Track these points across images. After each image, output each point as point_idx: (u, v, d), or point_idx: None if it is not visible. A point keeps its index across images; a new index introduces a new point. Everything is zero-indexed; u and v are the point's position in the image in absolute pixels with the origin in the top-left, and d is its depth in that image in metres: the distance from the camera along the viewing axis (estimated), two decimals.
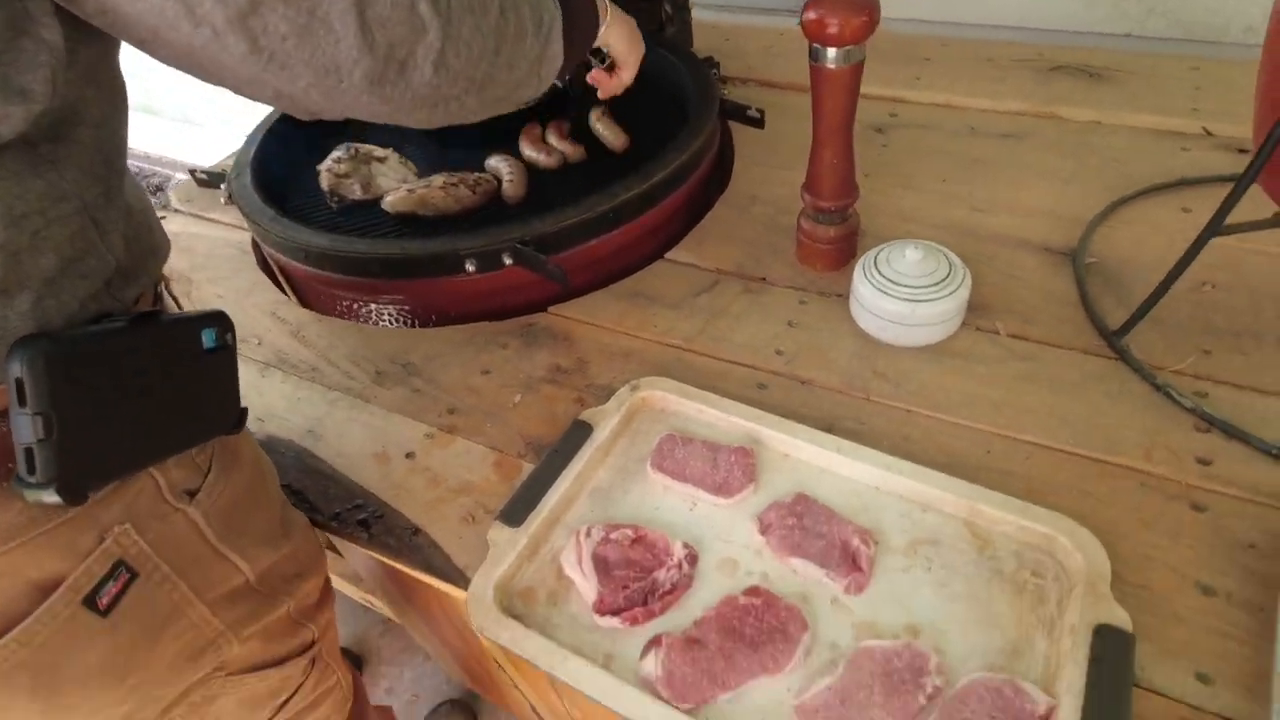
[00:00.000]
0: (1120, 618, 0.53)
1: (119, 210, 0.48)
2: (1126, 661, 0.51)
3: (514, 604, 0.61)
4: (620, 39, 0.77)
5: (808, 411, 0.72)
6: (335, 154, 1.03)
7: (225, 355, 0.55)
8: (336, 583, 1.18)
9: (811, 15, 0.69)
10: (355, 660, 1.50)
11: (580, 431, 0.70)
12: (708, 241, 0.96)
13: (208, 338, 0.53)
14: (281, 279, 1.06)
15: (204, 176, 1.11)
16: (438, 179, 0.97)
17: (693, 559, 0.61)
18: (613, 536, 0.62)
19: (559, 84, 1.14)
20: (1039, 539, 0.59)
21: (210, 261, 1.06)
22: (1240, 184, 0.61)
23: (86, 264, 0.45)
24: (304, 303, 1.02)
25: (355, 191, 1.00)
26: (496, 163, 1.02)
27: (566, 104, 1.08)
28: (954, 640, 0.55)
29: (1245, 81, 0.65)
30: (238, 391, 0.57)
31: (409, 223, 0.96)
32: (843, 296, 0.84)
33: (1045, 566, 0.58)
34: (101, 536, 0.47)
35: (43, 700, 0.46)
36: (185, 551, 0.53)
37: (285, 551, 0.63)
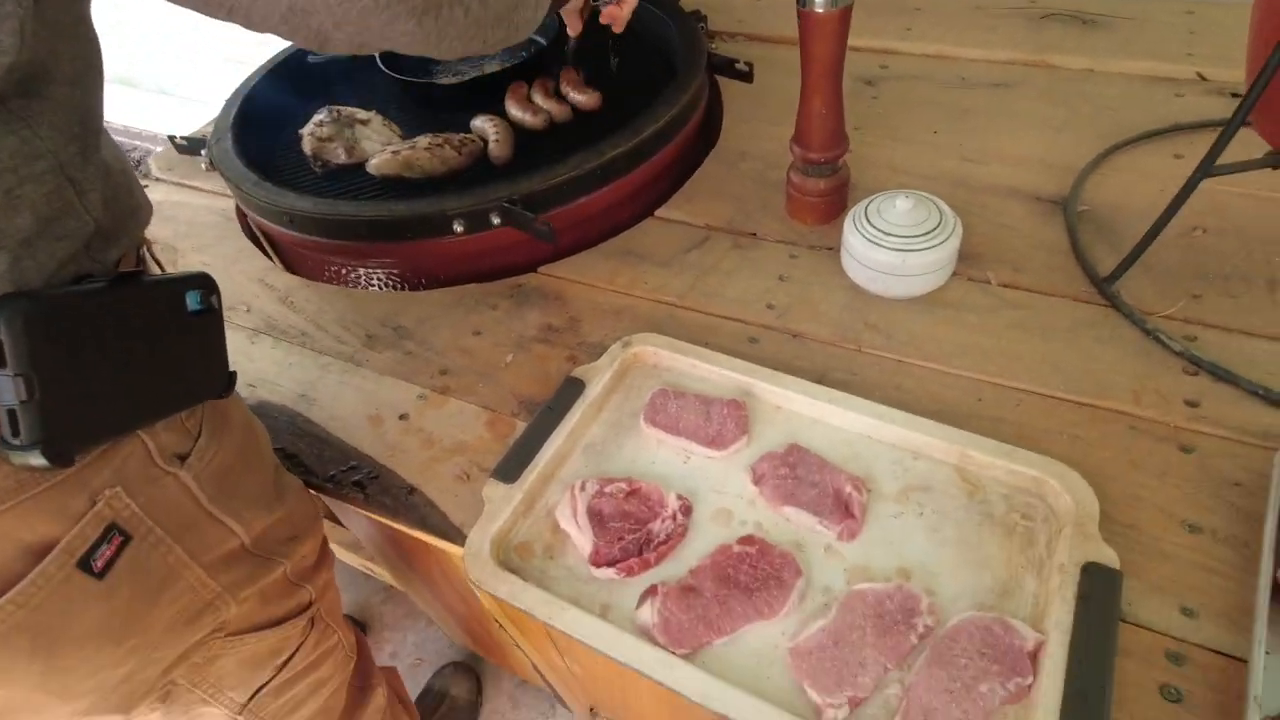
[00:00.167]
0: (1108, 556, 0.54)
1: (97, 170, 0.47)
2: (1113, 598, 0.52)
3: (511, 558, 0.61)
4: None
5: (800, 364, 0.73)
6: (317, 117, 1.01)
7: (211, 318, 0.54)
8: (338, 551, 1.19)
9: None
10: (359, 627, 1.52)
11: (573, 388, 0.70)
12: (697, 198, 0.95)
13: (192, 300, 0.52)
14: (267, 245, 1.05)
15: (183, 143, 1.09)
16: (422, 140, 0.96)
17: (687, 510, 0.62)
18: (607, 490, 0.63)
19: (539, 41, 1.12)
20: (1028, 482, 0.60)
21: (194, 230, 1.04)
22: (1232, 122, 0.61)
23: (64, 224, 0.44)
24: (291, 269, 1.01)
25: (339, 155, 0.98)
26: (482, 123, 1.00)
27: (552, 63, 1.06)
28: (945, 582, 0.56)
29: (1239, 25, 0.64)
30: (225, 355, 0.57)
31: (395, 186, 0.95)
32: (833, 250, 0.84)
33: (1035, 509, 0.59)
34: (93, 500, 0.47)
35: (43, 661, 0.46)
36: (178, 515, 0.53)
37: (280, 514, 0.63)
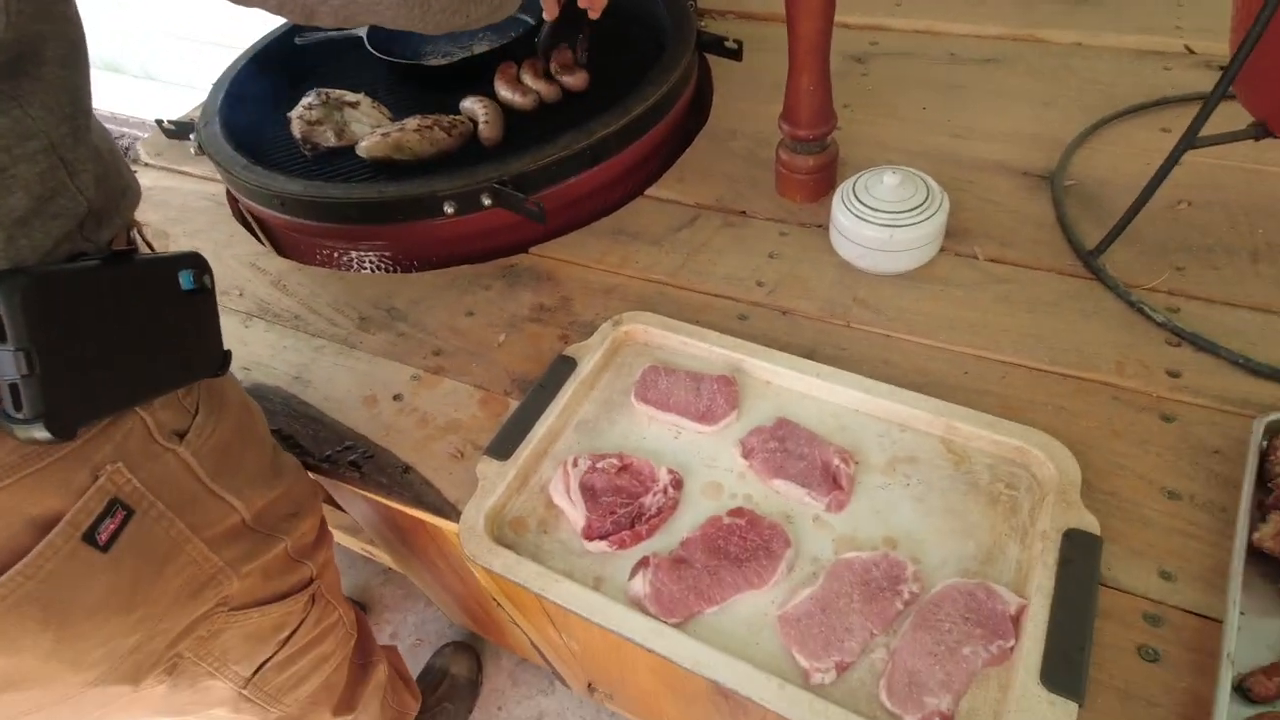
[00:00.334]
0: (1089, 522, 0.55)
1: (87, 150, 0.47)
2: (1093, 562, 0.53)
3: (505, 533, 0.62)
4: None
5: (789, 340, 0.73)
6: (306, 100, 1.01)
7: (204, 297, 0.55)
8: (337, 535, 1.20)
9: None
10: (360, 608, 1.53)
11: (565, 366, 0.71)
12: (688, 177, 0.95)
13: (185, 279, 0.53)
14: (259, 230, 1.05)
15: (172, 127, 1.08)
16: (412, 122, 0.95)
17: (678, 484, 0.63)
18: (599, 465, 0.63)
19: (526, 20, 1.12)
20: (1012, 452, 0.61)
21: (185, 215, 1.04)
22: (1213, 94, 0.61)
23: (58, 203, 0.45)
24: (283, 252, 1.01)
25: (329, 138, 0.98)
26: (471, 104, 1.00)
27: (537, 41, 1.06)
28: (930, 550, 0.57)
29: None
30: (219, 334, 0.57)
31: (385, 168, 0.95)
32: (823, 227, 0.84)
33: (1019, 478, 0.60)
34: (95, 474, 0.48)
35: (54, 630, 0.48)
36: (179, 490, 0.54)
37: (279, 491, 0.64)
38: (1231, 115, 0.67)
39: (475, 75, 1.05)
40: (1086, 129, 0.90)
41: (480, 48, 1.13)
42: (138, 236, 0.58)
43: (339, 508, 1.03)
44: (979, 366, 0.69)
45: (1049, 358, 0.68)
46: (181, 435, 0.54)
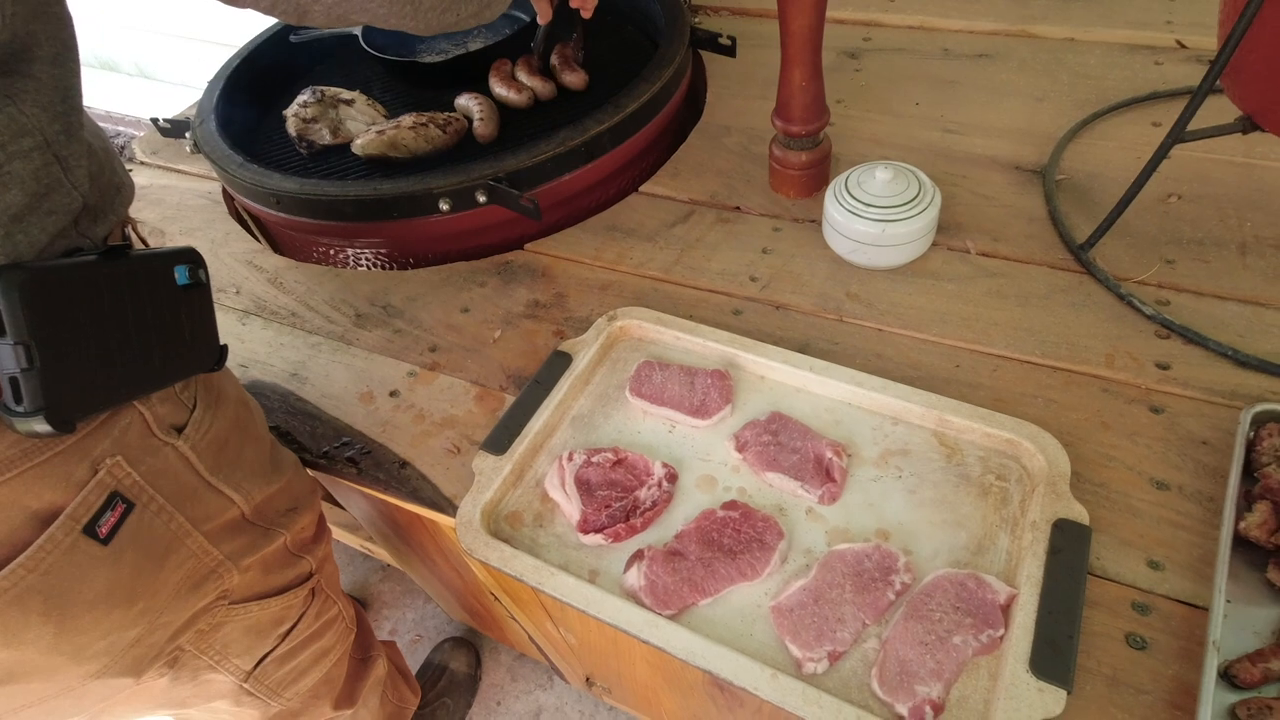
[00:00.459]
0: (1078, 513, 0.56)
1: (81, 146, 0.48)
2: (1082, 552, 0.54)
3: (501, 527, 0.63)
4: None
5: (783, 335, 0.74)
6: (301, 98, 1.01)
7: (200, 292, 0.55)
8: (336, 532, 1.21)
9: None
10: (359, 604, 1.54)
11: (560, 362, 0.72)
12: (682, 173, 0.95)
13: (181, 274, 0.53)
14: (255, 227, 1.05)
15: (167, 125, 1.08)
16: (407, 119, 0.96)
17: (672, 477, 0.63)
18: (594, 460, 0.64)
19: (522, 17, 1.12)
20: (1003, 444, 0.61)
21: (181, 213, 1.05)
22: (1200, 88, 0.62)
23: (53, 200, 0.45)
24: (279, 250, 1.01)
25: (324, 136, 0.99)
26: (466, 101, 1.00)
27: (532, 45, 1.06)
28: (922, 541, 0.58)
29: None
30: (215, 330, 0.58)
31: (380, 165, 0.95)
32: (816, 222, 0.85)
33: (1009, 470, 0.61)
34: (94, 468, 0.49)
35: (55, 623, 0.48)
36: (178, 484, 0.55)
37: (278, 486, 0.65)
38: (1220, 109, 0.67)
39: (470, 72, 1.05)
40: (1078, 124, 0.90)
41: (475, 45, 1.13)
42: (132, 233, 0.58)
43: (338, 505, 1.03)
44: (971, 360, 0.70)
45: (1040, 351, 0.69)
46: (180, 429, 0.55)
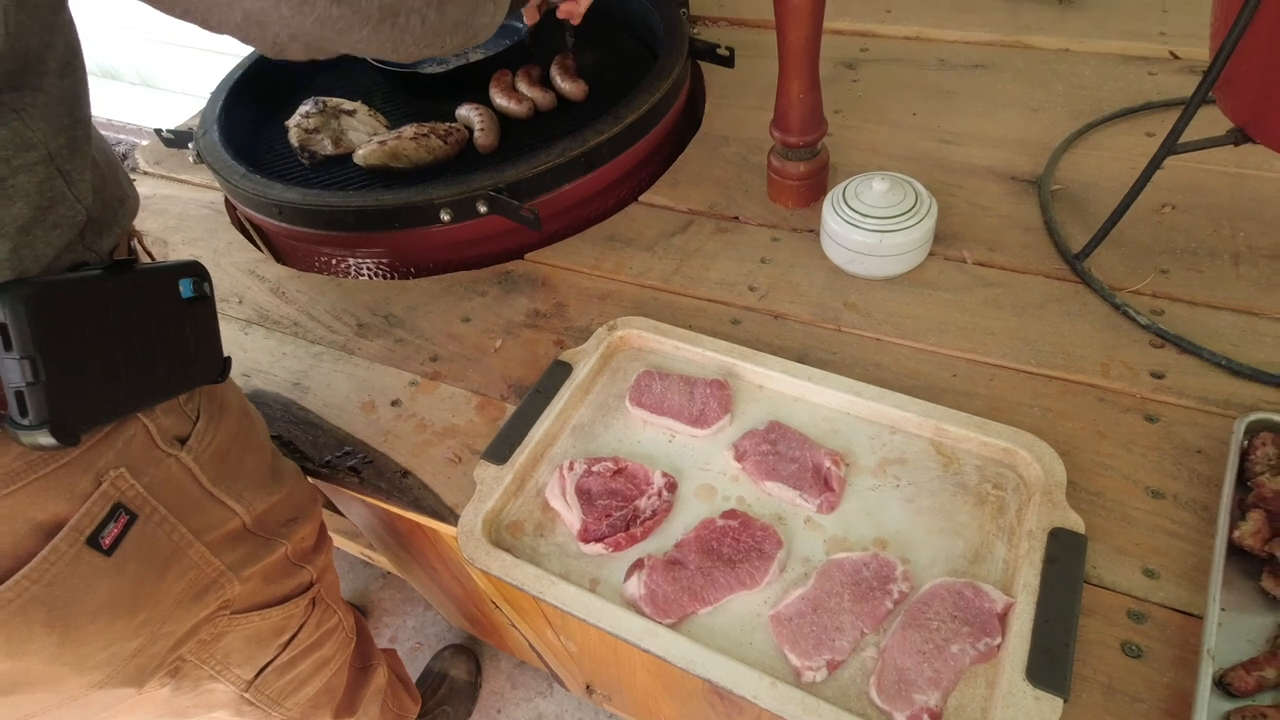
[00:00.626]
0: (1074, 521, 0.56)
1: (84, 160, 0.48)
2: (1078, 561, 0.54)
3: (502, 536, 0.63)
4: None
5: (781, 344, 0.75)
6: (303, 109, 1.02)
7: (204, 305, 0.56)
8: (336, 540, 1.21)
9: None
10: (359, 612, 1.54)
11: (560, 371, 0.72)
12: (681, 183, 0.96)
13: (185, 287, 0.54)
14: (257, 237, 1.06)
15: (170, 136, 1.09)
16: (408, 130, 0.97)
17: (672, 487, 0.64)
18: (595, 469, 0.65)
19: (520, 29, 1.13)
20: (1000, 453, 0.62)
21: (184, 223, 1.05)
22: (1192, 100, 0.63)
23: (58, 212, 0.46)
24: (281, 260, 1.02)
25: (326, 146, 0.99)
26: (467, 112, 1.01)
27: (528, 55, 1.07)
28: (919, 550, 0.58)
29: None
30: (219, 341, 0.58)
31: (382, 176, 0.96)
32: (814, 232, 0.85)
33: (1006, 479, 0.61)
34: (98, 480, 0.49)
35: (59, 633, 0.49)
36: (181, 495, 0.55)
37: (279, 496, 0.65)
38: (1213, 120, 0.68)
39: (471, 83, 1.06)
40: (1073, 134, 0.91)
41: (476, 56, 1.14)
42: (138, 246, 0.59)
43: (338, 512, 1.04)
44: (967, 369, 0.70)
45: (1036, 360, 0.70)
46: (183, 441, 0.55)
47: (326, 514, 0.86)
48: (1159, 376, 0.66)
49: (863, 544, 0.59)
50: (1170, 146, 0.66)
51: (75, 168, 0.47)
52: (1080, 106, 0.95)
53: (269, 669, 0.70)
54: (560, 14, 0.82)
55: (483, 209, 0.86)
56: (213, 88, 1.10)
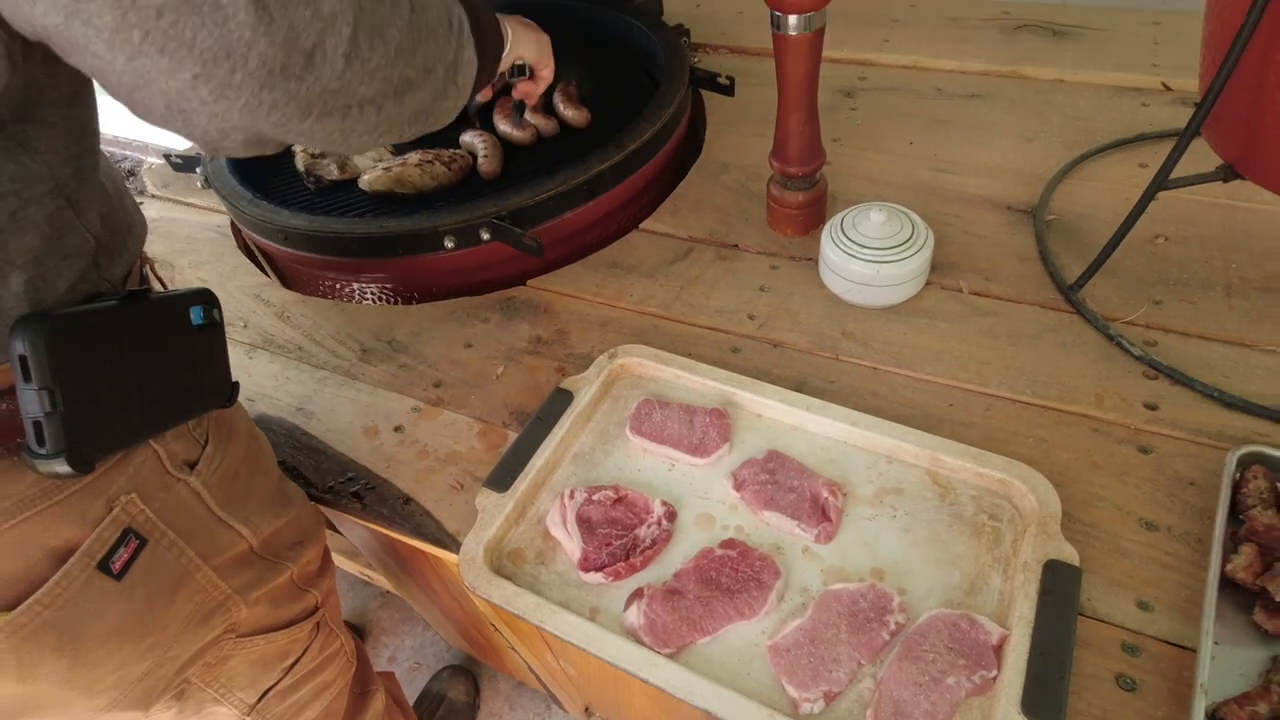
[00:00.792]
0: (1068, 554, 0.57)
1: (92, 188, 0.49)
2: (1073, 593, 0.55)
3: (504, 564, 0.64)
4: (528, 45, 0.76)
5: (779, 372, 0.75)
6: None
7: (214, 331, 0.57)
8: (335, 558, 1.22)
9: None
10: (357, 632, 1.54)
11: (562, 399, 0.73)
12: (681, 210, 0.98)
13: (196, 315, 0.55)
14: (263, 261, 1.07)
15: (179, 160, 1.11)
16: (413, 156, 0.98)
17: (672, 516, 0.65)
18: (595, 497, 0.65)
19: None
20: (995, 484, 0.63)
21: (191, 246, 1.07)
22: (1183, 137, 0.64)
23: (68, 242, 0.46)
24: (287, 284, 1.03)
25: (332, 171, 1.01)
26: (471, 138, 1.03)
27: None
28: (916, 580, 0.59)
29: None
30: (228, 366, 0.59)
31: (387, 201, 0.97)
32: (812, 260, 0.87)
33: (1001, 509, 0.62)
34: (110, 505, 0.50)
35: (69, 657, 0.49)
36: (190, 519, 0.56)
37: (285, 520, 0.66)
38: (1206, 151, 0.69)
39: (475, 110, 1.08)
40: (1067, 164, 0.93)
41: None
42: (150, 273, 0.60)
43: (337, 532, 1.04)
44: (963, 399, 0.71)
45: (1031, 390, 0.71)
46: (192, 465, 0.56)
47: (326, 534, 0.87)
48: (1152, 408, 0.67)
49: (860, 574, 0.60)
50: (1161, 182, 0.68)
51: (83, 197, 0.48)
52: (1074, 137, 0.97)
53: (271, 693, 0.71)
54: (516, 94, 0.82)
55: (486, 236, 0.87)
56: None
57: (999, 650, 0.53)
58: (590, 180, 0.90)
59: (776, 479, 0.65)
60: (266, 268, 1.06)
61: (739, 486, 0.66)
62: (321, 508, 0.78)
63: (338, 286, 0.99)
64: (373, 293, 0.98)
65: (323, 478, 0.74)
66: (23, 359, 0.43)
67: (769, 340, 0.79)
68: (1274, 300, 0.74)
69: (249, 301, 0.96)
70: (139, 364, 0.50)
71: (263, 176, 1.06)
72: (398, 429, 0.77)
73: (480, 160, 1.00)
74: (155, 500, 0.53)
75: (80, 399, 0.45)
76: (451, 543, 0.67)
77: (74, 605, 0.49)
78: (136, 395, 0.50)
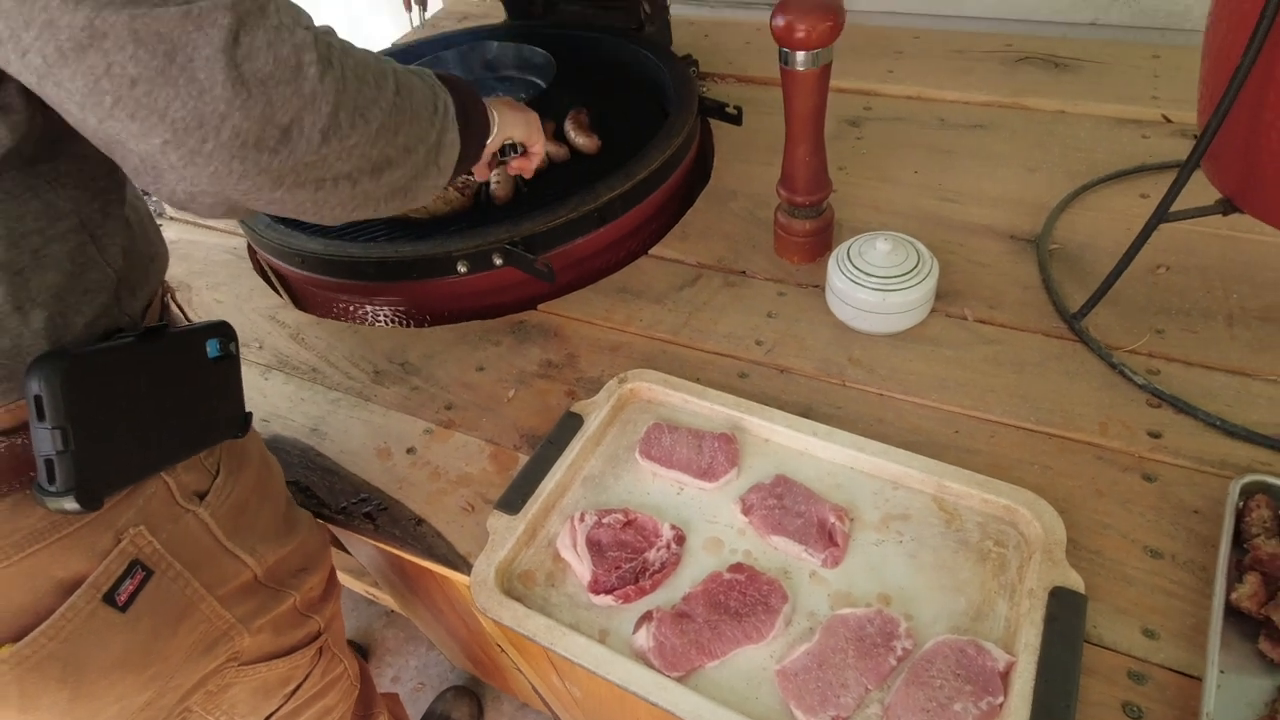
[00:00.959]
0: (1074, 581, 0.57)
1: (116, 222, 0.49)
2: (1079, 620, 0.55)
3: (514, 586, 0.65)
4: (516, 125, 0.74)
5: (787, 398, 0.77)
6: None
7: (229, 363, 0.58)
8: (341, 577, 1.22)
9: (780, 21, 0.72)
10: (361, 651, 1.54)
11: (572, 423, 0.74)
12: (690, 237, 0.99)
13: (212, 348, 0.56)
14: (278, 283, 1.09)
15: None
16: None
17: (680, 539, 0.65)
18: (605, 520, 0.66)
19: (541, 84, 1.16)
20: (1001, 510, 0.63)
21: (208, 268, 1.09)
22: (1182, 172, 0.65)
23: (89, 277, 0.47)
24: (301, 306, 1.05)
25: None
26: None
27: (553, 103, 1.11)
28: (923, 606, 0.60)
29: None
30: (242, 398, 0.60)
31: (400, 225, 0.99)
32: (819, 287, 0.88)
33: (1007, 536, 0.63)
34: (118, 538, 0.50)
35: (71, 688, 0.49)
36: (196, 550, 0.56)
37: (291, 547, 0.67)
38: (1206, 185, 0.71)
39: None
40: (1069, 194, 0.94)
41: None
42: (170, 302, 0.61)
43: (345, 550, 1.05)
44: (969, 426, 0.72)
45: (1035, 418, 0.71)
46: (202, 496, 0.57)
47: (333, 552, 0.87)
48: (1156, 436, 0.68)
49: (867, 599, 0.61)
50: (1162, 215, 0.69)
51: (107, 231, 0.48)
52: (1076, 167, 0.99)
53: (273, 718, 0.71)
54: (511, 170, 0.83)
55: (498, 261, 0.89)
56: None
57: (1005, 677, 0.54)
58: (601, 207, 0.92)
59: (784, 504, 0.66)
60: (281, 290, 1.08)
61: (747, 511, 0.66)
62: (332, 527, 0.79)
63: (351, 309, 1.01)
64: (386, 315, 0.99)
65: (336, 498, 0.75)
66: (37, 399, 0.43)
67: (776, 366, 0.81)
68: (1275, 330, 0.75)
69: (264, 323, 0.98)
70: (154, 399, 0.50)
71: None
72: (410, 450, 0.78)
73: (492, 185, 1.02)
74: (163, 531, 0.53)
75: (93, 436, 0.45)
76: (463, 564, 0.67)
77: (79, 637, 0.49)
78: (151, 430, 0.50)
